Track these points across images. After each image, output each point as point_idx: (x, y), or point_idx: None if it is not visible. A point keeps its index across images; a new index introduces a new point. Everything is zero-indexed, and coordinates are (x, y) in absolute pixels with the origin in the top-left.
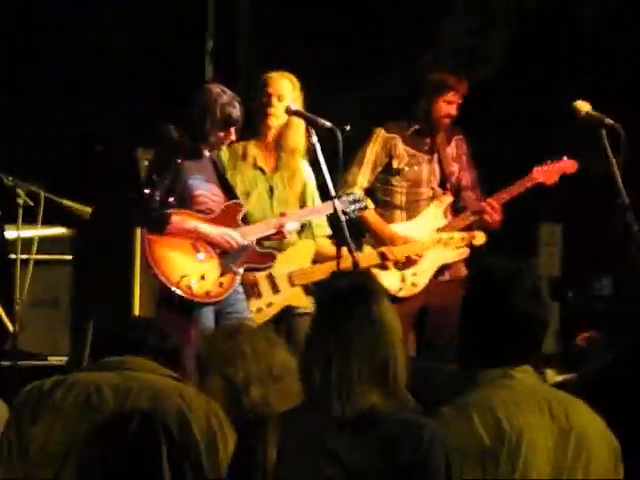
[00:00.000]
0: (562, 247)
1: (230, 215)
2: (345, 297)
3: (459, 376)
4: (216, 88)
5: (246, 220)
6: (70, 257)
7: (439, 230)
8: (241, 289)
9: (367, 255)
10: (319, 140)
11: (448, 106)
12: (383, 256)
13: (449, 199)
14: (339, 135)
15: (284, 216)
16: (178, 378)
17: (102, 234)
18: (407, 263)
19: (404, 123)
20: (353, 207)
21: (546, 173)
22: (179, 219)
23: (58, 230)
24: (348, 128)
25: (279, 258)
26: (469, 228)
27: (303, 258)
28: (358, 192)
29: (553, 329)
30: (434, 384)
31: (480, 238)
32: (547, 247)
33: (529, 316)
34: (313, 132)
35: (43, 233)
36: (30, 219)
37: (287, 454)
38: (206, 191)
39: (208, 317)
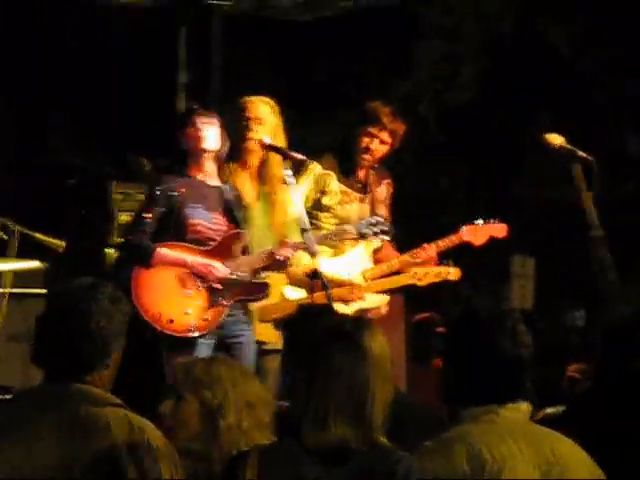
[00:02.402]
0: (534, 279)
1: (227, 246)
2: (328, 331)
3: (442, 414)
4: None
5: (247, 251)
6: (44, 291)
7: (366, 272)
8: (244, 318)
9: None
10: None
11: (370, 139)
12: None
13: (377, 243)
14: (309, 165)
15: (283, 245)
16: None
17: (75, 267)
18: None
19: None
20: (371, 230)
21: (475, 233)
22: (165, 252)
23: (32, 264)
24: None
25: None
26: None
27: (273, 294)
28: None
29: None
30: (415, 419)
31: (455, 274)
32: (519, 279)
33: (512, 358)
34: (286, 165)
35: (17, 267)
36: (3, 253)
37: None
38: (205, 220)
39: (198, 351)
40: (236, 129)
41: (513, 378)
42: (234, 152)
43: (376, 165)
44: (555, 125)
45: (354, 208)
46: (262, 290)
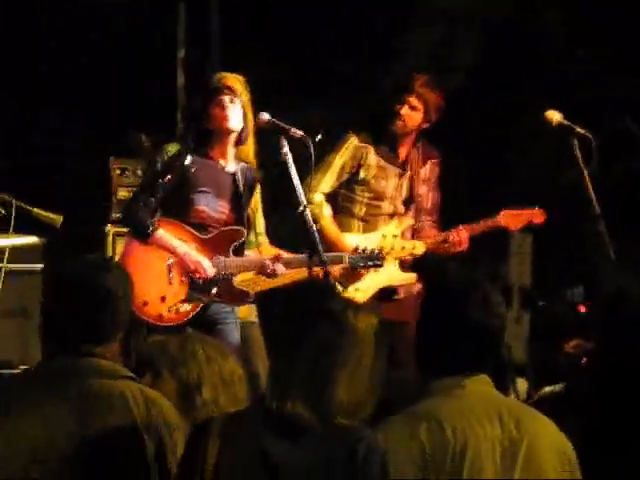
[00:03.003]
0: (533, 256)
1: (224, 241)
2: (311, 309)
3: (416, 384)
4: None
5: (242, 248)
6: (42, 266)
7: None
8: (233, 313)
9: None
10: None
11: (400, 105)
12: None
13: (410, 221)
14: (310, 144)
15: (278, 258)
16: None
17: (73, 243)
18: (351, 278)
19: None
20: (364, 263)
21: (513, 219)
22: (162, 234)
23: (29, 239)
24: (319, 137)
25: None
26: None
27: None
28: (376, 249)
29: (524, 338)
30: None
31: (419, 247)
32: (518, 256)
33: (481, 326)
34: (285, 142)
35: (14, 242)
36: (1, 228)
37: (227, 457)
38: (210, 207)
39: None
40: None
41: (482, 348)
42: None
43: (419, 143)
44: (550, 103)
45: (390, 184)
46: (243, 298)
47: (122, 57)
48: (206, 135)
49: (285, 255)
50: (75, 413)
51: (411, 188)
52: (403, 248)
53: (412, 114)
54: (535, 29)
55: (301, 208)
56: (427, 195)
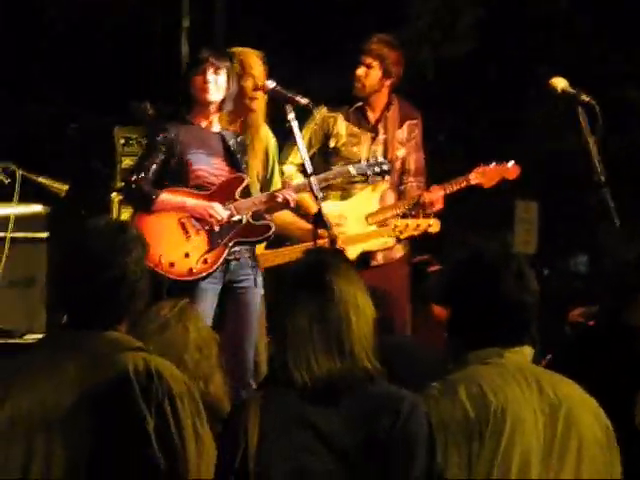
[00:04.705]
0: (538, 224)
1: (229, 190)
2: (298, 271)
3: (444, 354)
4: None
5: (247, 194)
6: (46, 235)
7: (370, 215)
8: (254, 262)
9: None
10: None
11: (358, 66)
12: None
13: (385, 185)
14: (315, 111)
15: (285, 186)
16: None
17: (78, 211)
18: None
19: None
20: (372, 170)
21: (485, 175)
22: (166, 197)
23: (34, 208)
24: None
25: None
26: (402, 215)
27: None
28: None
29: None
30: (420, 362)
31: (435, 226)
32: (523, 224)
33: (517, 302)
34: (290, 109)
35: (19, 211)
36: (5, 197)
37: (268, 431)
38: (207, 165)
39: (203, 296)
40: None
41: (518, 322)
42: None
43: (393, 104)
44: (554, 71)
45: (363, 149)
46: (264, 232)
47: (127, 26)
48: (189, 102)
49: (290, 182)
50: (77, 384)
51: (386, 151)
52: (418, 226)
53: (368, 72)
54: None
55: (309, 171)
56: (409, 157)
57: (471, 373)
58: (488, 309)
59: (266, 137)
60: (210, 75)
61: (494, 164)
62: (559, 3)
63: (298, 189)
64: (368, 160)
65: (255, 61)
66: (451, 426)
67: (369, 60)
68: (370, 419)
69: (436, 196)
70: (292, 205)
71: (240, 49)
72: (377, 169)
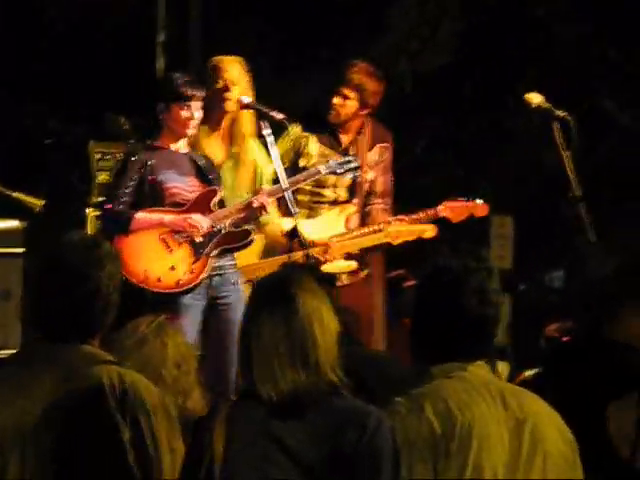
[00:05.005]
0: (514, 239)
1: (204, 202)
2: (263, 285)
3: (414, 370)
4: (174, 73)
5: (223, 205)
6: (22, 250)
7: (335, 237)
8: (236, 278)
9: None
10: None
11: (334, 96)
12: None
13: (352, 208)
14: (290, 127)
15: (259, 192)
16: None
17: (53, 226)
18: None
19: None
20: (342, 168)
21: (454, 211)
22: (142, 215)
23: (10, 223)
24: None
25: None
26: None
27: (250, 254)
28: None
29: (505, 321)
30: (387, 375)
31: (430, 231)
32: (498, 239)
33: (478, 316)
34: (266, 124)
35: None
36: None
37: (235, 442)
38: (181, 183)
39: (186, 312)
40: (209, 90)
41: (479, 336)
42: (205, 113)
43: (366, 127)
44: (532, 87)
45: None
46: (244, 237)
47: (102, 39)
48: (160, 127)
49: (264, 187)
50: (52, 397)
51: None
52: (411, 232)
53: (345, 103)
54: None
55: (284, 186)
56: (377, 179)
57: (436, 388)
58: (449, 324)
59: (253, 151)
60: (195, 112)
61: (463, 200)
62: (537, 13)
63: (272, 193)
64: (338, 158)
65: (240, 71)
66: (417, 442)
67: (347, 91)
68: (336, 433)
69: (403, 229)
70: (268, 210)
71: (222, 59)
72: (346, 166)
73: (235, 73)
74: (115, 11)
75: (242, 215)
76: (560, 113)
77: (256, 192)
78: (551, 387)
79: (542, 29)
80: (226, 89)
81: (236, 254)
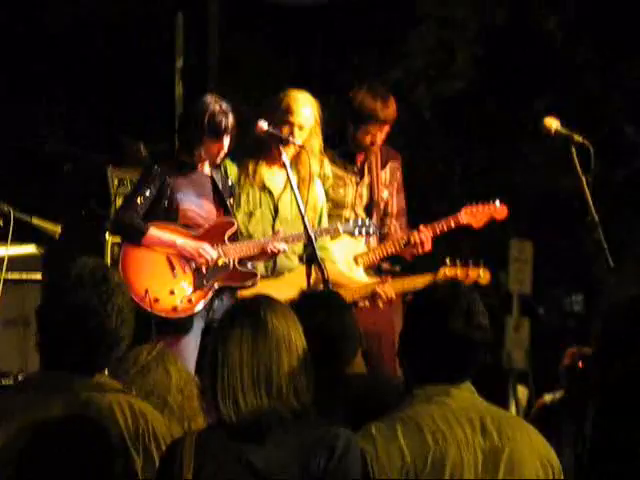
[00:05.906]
0: (533, 263)
1: (218, 232)
2: (234, 307)
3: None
4: (209, 98)
5: (235, 239)
6: (40, 276)
7: (359, 255)
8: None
9: (360, 287)
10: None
11: (373, 136)
12: (375, 295)
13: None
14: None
15: (276, 235)
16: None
17: (72, 252)
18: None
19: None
20: (357, 230)
21: (474, 215)
22: (156, 232)
23: (28, 249)
24: None
25: (273, 284)
26: (389, 256)
27: (297, 285)
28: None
29: (524, 345)
30: (386, 401)
31: (485, 277)
32: (517, 263)
33: (465, 339)
34: (284, 150)
35: (13, 252)
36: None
37: (205, 469)
38: (195, 206)
39: (189, 332)
40: (273, 122)
41: (465, 359)
42: (263, 144)
43: (372, 146)
44: (550, 111)
45: (349, 191)
46: (249, 279)
47: (121, 66)
48: (189, 146)
49: (282, 233)
50: (63, 425)
51: (371, 193)
52: (468, 276)
53: (376, 139)
54: (532, 32)
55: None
56: (391, 199)
57: (413, 414)
58: (434, 344)
59: (317, 192)
60: (226, 142)
61: (480, 204)
62: (556, 38)
63: (290, 240)
64: (356, 219)
65: (310, 114)
66: (386, 468)
67: (387, 128)
68: (304, 456)
69: (425, 236)
70: (282, 254)
71: (297, 99)
72: (364, 230)
73: (305, 119)
74: (134, 38)
75: (252, 255)
76: (578, 138)
77: (274, 236)
78: (574, 417)
79: (559, 53)
80: (289, 131)
81: (283, 284)
